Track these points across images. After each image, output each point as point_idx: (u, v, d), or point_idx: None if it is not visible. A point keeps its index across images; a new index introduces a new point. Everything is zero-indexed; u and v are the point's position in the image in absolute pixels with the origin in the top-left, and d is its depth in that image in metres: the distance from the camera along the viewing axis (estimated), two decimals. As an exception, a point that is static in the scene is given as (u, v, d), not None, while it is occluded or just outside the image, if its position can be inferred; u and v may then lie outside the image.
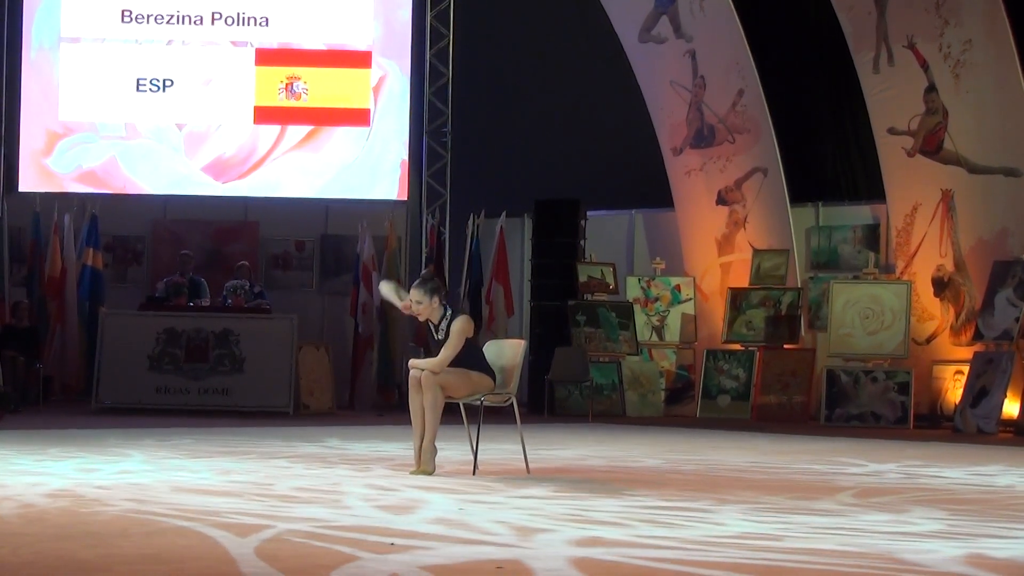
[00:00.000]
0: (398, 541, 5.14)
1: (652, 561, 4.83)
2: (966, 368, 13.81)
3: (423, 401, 7.88)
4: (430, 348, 8.24)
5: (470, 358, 8.09)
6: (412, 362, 8.06)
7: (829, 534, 5.61)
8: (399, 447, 9.68)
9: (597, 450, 10.32)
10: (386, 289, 8.41)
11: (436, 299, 8.04)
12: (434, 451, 7.92)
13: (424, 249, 16.91)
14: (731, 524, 5.87)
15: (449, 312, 8.05)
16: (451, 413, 8.21)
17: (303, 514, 5.94)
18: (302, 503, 6.39)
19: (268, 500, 6.50)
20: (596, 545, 5.16)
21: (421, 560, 4.75)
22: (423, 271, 8.49)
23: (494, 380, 8.10)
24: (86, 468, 7.99)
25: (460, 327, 7.95)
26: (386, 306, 15.88)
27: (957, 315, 14.32)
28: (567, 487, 7.40)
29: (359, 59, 17.01)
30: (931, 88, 14.37)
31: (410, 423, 8.04)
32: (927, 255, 14.56)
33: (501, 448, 9.54)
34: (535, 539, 5.28)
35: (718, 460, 9.53)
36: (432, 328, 8.10)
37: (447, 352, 7.92)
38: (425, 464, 7.88)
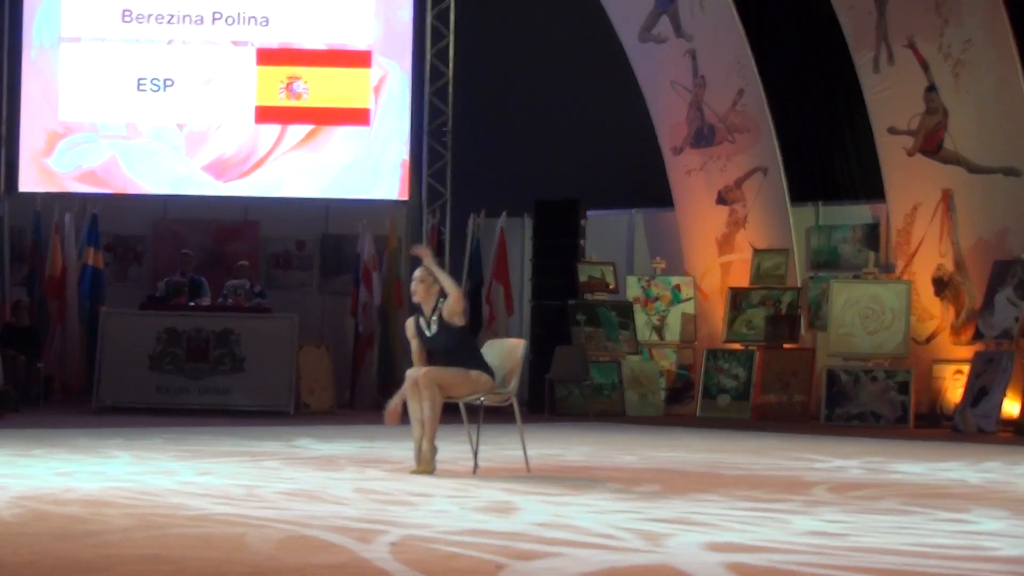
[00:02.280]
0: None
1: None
2: (966, 368, 13.81)
3: (422, 400, 7.88)
4: (428, 355, 8.22)
5: (469, 356, 8.09)
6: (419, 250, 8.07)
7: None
8: (399, 447, 9.68)
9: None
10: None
11: (437, 288, 8.06)
12: (434, 450, 7.93)
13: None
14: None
15: (441, 302, 8.07)
16: (451, 412, 8.21)
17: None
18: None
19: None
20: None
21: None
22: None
23: (493, 378, 8.11)
24: (86, 468, 7.99)
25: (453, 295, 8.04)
26: (386, 306, 15.92)
27: (957, 314, 14.32)
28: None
29: (359, 59, 17.01)
30: (931, 88, 14.37)
31: (408, 423, 8.04)
32: (927, 255, 14.56)
33: (501, 448, 9.54)
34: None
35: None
36: (424, 323, 8.10)
37: (453, 288, 7.99)
38: (425, 463, 7.89)
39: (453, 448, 8.87)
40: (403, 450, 8.51)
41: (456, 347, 8.06)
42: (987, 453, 10.59)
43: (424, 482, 7.47)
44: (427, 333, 8.09)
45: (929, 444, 11.67)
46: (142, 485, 7.06)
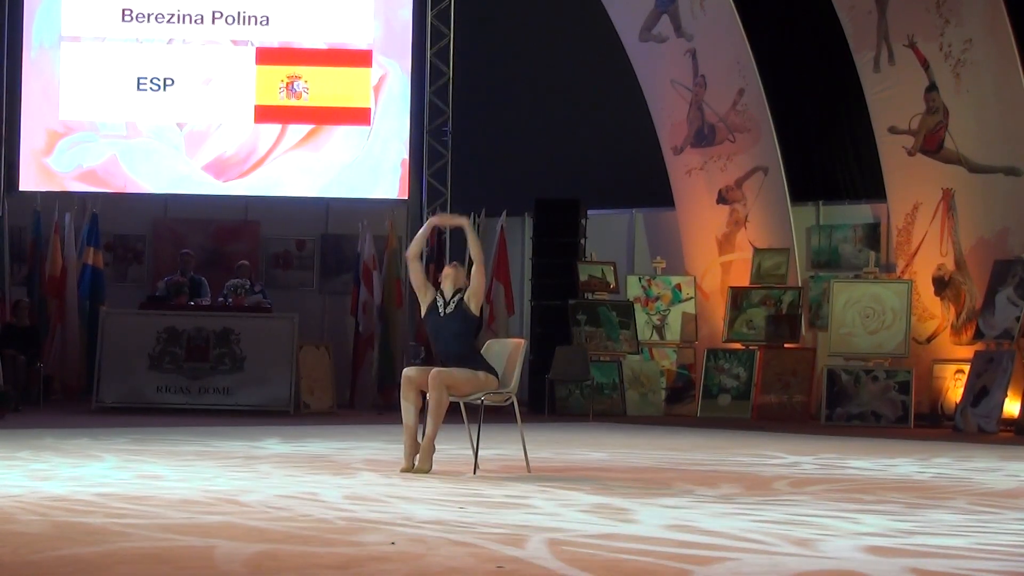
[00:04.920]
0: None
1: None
2: (967, 367, 13.81)
3: (429, 399, 7.88)
4: (433, 335, 8.23)
5: (477, 357, 8.09)
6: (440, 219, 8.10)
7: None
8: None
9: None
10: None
11: (461, 279, 8.12)
12: (432, 449, 7.92)
13: (424, 248, 16.87)
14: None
15: (466, 285, 8.13)
16: (451, 412, 8.20)
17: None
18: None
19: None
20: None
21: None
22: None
23: (498, 378, 8.12)
24: (86, 468, 7.98)
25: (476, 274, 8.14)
26: (387, 305, 15.90)
27: (958, 314, 14.31)
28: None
29: (360, 58, 17.00)
30: (932, 87, 14.36)
31: (405, 421, 8.02)
32: (928, 254, 14.55)
33: (500, 447, 9.54)
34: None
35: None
36: (441, 301, 8.10)
37: (480, 262, 8.14)
38: (423, 463, 7.87)
39: (452, 448, 8.87)
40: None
41: (464, 334, 8.05)
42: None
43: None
44: (441, 312, 8.08)
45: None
46: (143, 486, 7.05)
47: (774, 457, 9.81)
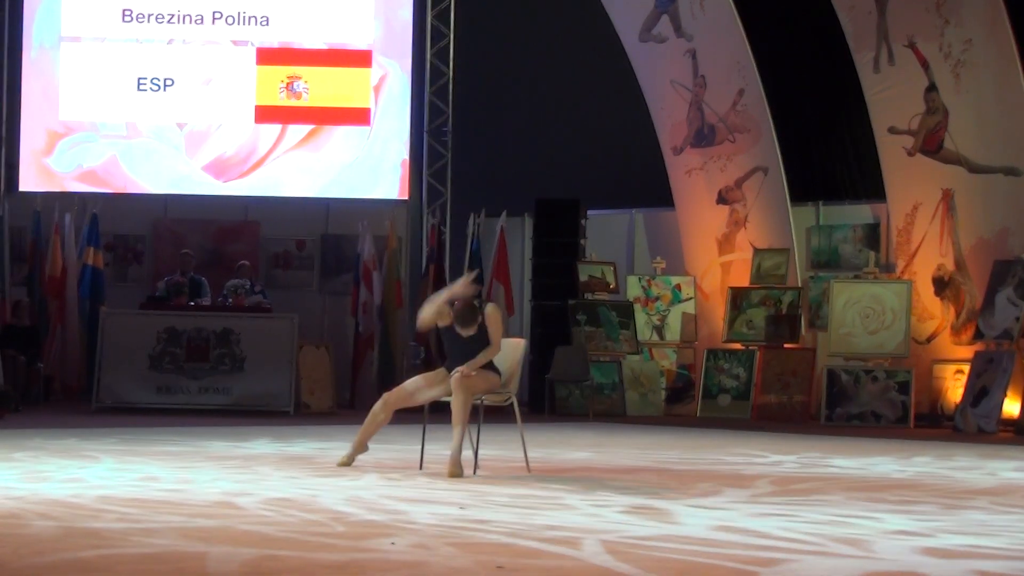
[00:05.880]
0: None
1: None
2: (966, 367, 13.81)
3: (453, 404, 7.84)
4: (451, 345, 8.18)
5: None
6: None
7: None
8: (395, 448, 9.68)
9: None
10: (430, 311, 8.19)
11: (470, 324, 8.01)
12: (460, 453, 7.89)
13: (425, 248, 16.91)
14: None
15: (484, 305, 8.06)
16: (448, 412, 8.16)
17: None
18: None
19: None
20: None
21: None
22: (476, 300, 8.28)
23: (499, 376, 8.14)
24: (85, 470, 7.98)
25: (493, 312, 8.00)
26: (387, 305, 15.90)
27: (957, 314, 14.32)
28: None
29: (360, 58, 17.00)
30: (931, 87, 14.36)
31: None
32: (927, 254, 14.55)
33: (500, 447, 9.54)
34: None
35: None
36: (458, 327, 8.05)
37: (496, 345, 7.97)
38: (454, 466, 7.79)
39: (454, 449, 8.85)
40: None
41: (477, 348, 8.04)
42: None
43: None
44: (463, 333, 8.00)
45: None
46: (144, 486, 7.05)
47: (781, 457, 9.79)
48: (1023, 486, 7.98)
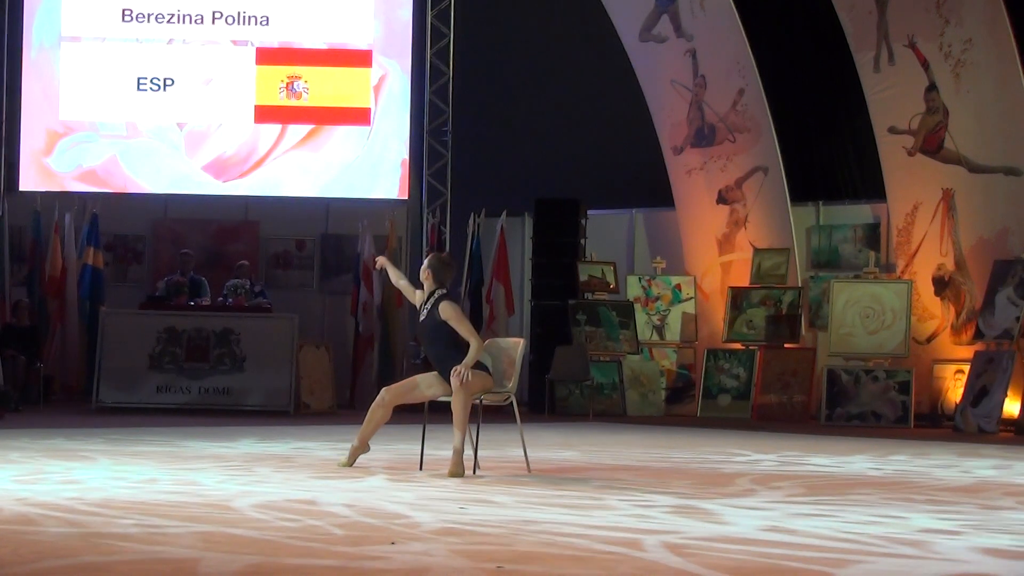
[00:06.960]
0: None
1: None
2: (967, 367, 13.81)
3: (454, 405, 7.84)
4: (420, 337, 8.30)
5: (457, 352, 8.05)
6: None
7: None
8: (393, 448, 9.68)
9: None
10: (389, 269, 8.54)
11: (431, 281, 8.05)
12: (463, 453, 7.89)
13: (425, 248, 16.90)
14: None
15: (437, 294, 8.06)
16: (447, 412, 8.15)
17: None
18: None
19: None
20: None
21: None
22: (443, 254, 8.61)
23: (490, 373, 8.12)
24: (84, 472, 7.97)
25: (450, 312, 7.96)
26: (386, 305, 15.90)
27: (958, 314, 14.32)
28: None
29: (360, 58, 17.01)
30: (932, 87, 14.36)
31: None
32: (928, 254, 14.55)
33: (499, 447, 9.53)
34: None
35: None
36: (423, 306, 8.13)
37: (473, 339, 7.93)
38: (456, 466, 7.80)
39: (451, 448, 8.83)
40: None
41: (441, 337, 8.00)
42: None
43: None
44: (421, 316, 8.12)
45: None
46: (144, 486, 7.05)
47: (792, 456, 9.76)
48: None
